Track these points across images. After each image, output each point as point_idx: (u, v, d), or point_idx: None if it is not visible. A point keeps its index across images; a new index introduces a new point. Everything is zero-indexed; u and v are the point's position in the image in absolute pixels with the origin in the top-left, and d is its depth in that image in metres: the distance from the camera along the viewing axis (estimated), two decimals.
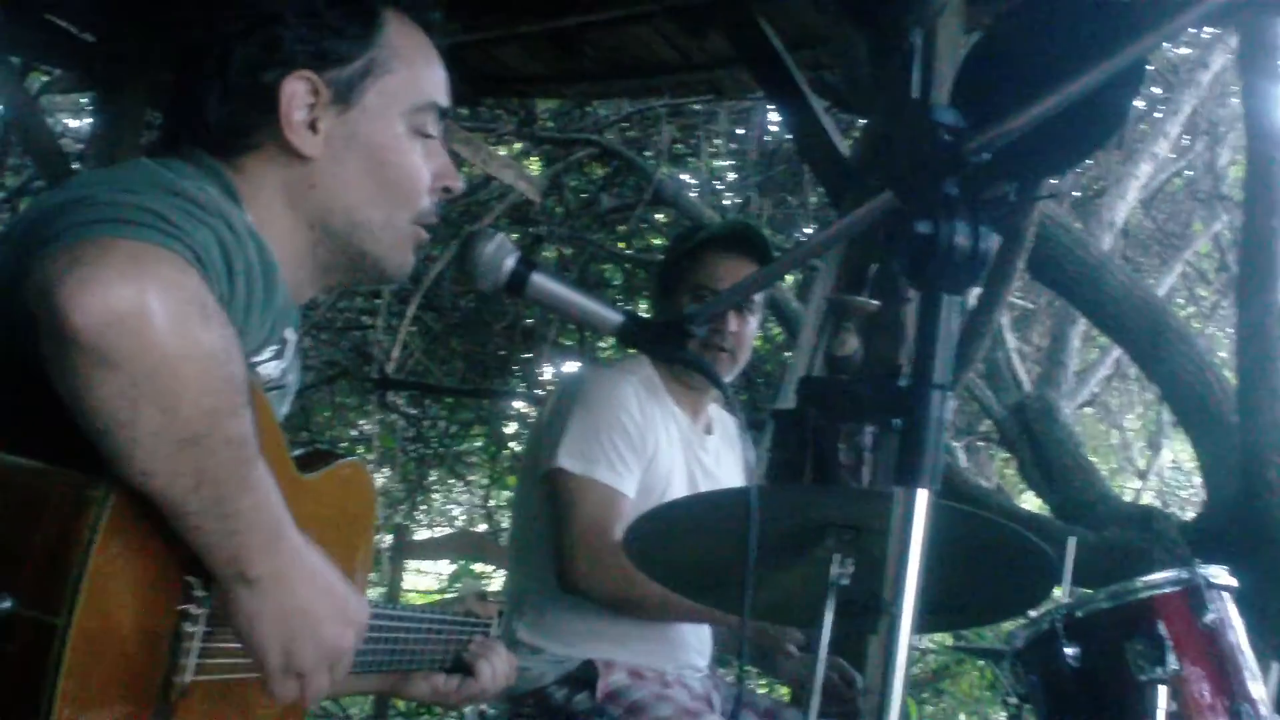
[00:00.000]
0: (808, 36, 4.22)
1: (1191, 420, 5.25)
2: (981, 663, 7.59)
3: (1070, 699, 2.32)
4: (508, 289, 1.48)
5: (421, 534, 9.51)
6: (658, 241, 8.31)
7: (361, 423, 9.40)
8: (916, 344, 1.17)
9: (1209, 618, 2.25)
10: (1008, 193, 1.23)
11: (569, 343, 8.34)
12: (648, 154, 7.77)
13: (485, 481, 9.66)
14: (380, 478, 8.94)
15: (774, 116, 7.59)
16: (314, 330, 7.62)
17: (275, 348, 1.47)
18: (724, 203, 8.18)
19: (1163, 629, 2.22)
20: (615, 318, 1.51)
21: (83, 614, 1.12)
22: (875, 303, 3.00)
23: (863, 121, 4.70)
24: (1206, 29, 6.40)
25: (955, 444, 7.59)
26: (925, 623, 1.19)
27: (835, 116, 4.82)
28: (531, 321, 8.26)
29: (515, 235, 7.79)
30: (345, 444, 9.24)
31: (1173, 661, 2.19)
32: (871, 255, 3.25)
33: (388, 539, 3.95)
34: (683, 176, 8.27)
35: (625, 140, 7.92)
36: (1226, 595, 2.32)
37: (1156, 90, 7.50)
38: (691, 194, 7.82)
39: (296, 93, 1.46)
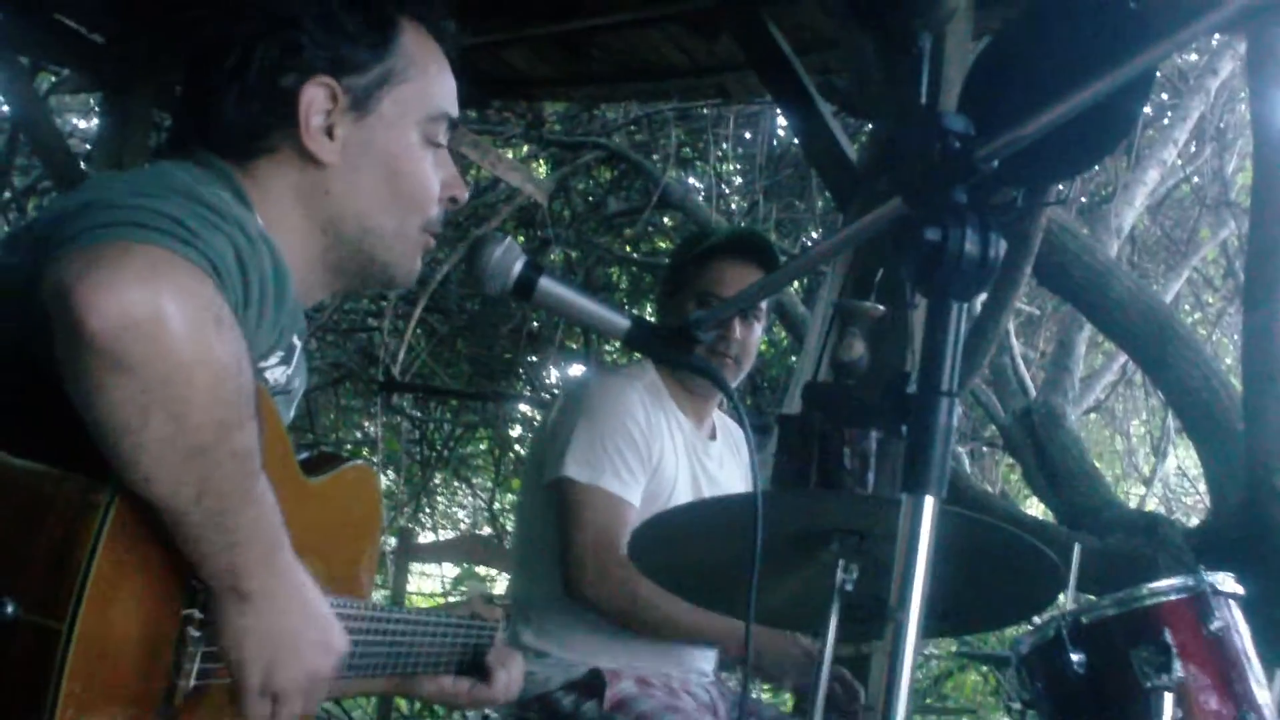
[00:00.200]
0: (816, 41, 4.21)
1: (1197, 427, 5.22)
2: (985, 668, 7.57)
3: (1075, 705, 2.31)
4: (515, 293, 1.47)
5: (426, 537, 9.50)
6: (664, 245, 8.29)
7: (366, 425, 9.39)
8: (924, 350, 1.16)
9: (1215, 625, 2.24)
10: (1015, 198, 1.23)
11: (575, 346, 8.33)
12: (655, 158, 7.76)
13: (490, 485, 9.65)
14: (384, 480, 8.92)
15: (782, 121, 7.60)
16: (319, 332, 7.60)
17: (282, 353, 1.47)
18: (731, 207, 8.17)
19: (1169, 636, 2.20)
20: (622, 322, 1.50)
21: (86, 619, 1.12)
22: (882, 308, 3.00)
23: (870, 126, 4.69)
24: (1215, 35, 6.39)
25: (960, 449, 7.57)
26: (929, 628, 1.18)
27: (843, 121, 4.82)
28: (537, 325, 8.25)
29: (522, 238, 7.79)
30: (350, 446, 9.24)
31: (1178, 669, 2.18)
32: (878, 260, 3.24)
33: (392, 541, 3.94)
34: (690, 180, 8.27)
35: (633, 144, 7.92)
36: (1232, 602, 2.31)
37: (1164, 96, 7.48)
38: (699, 198, 7.82)
39: (316, 98, 1.46)
